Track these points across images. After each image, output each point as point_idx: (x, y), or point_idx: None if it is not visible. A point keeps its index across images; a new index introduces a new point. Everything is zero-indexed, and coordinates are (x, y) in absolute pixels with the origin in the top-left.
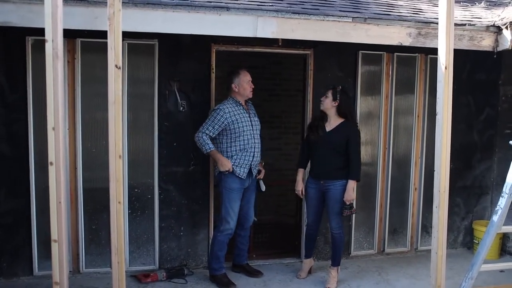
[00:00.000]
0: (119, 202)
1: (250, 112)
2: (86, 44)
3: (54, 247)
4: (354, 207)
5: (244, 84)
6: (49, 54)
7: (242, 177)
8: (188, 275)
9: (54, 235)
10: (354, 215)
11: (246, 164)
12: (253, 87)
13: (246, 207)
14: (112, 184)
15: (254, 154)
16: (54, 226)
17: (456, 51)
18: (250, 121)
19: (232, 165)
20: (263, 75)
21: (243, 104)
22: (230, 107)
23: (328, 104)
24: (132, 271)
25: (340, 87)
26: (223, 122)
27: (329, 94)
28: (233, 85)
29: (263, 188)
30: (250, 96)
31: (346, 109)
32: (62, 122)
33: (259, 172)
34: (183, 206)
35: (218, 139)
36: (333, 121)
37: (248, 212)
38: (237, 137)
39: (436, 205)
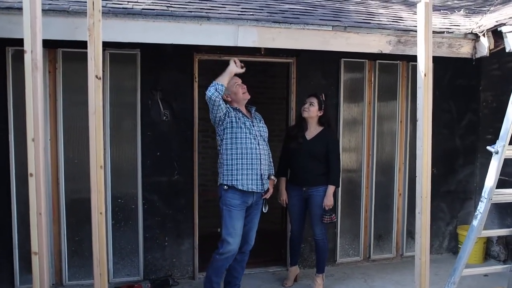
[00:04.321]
0: (101, 213)
1: (254, 119)
2: (68, 54)
3: (35, 260)
4: (335, 214)
5: (233, 89)
6: (28, 65)
7: (253, 190)
8: (173, 285)
9: (34, 247)
10: (339, 222)
11: (252, 176)
12: (244, 87)
13: (247, 228)
14: (94, 195)
15: (261, 163)
16: (35, 239)
17: (437, 58)
18: (253, 126)
19: (235, 176)
20: (248, 83)
21: (244, 111)
22: (231, 110)
23: (314, 113)
24: (117, 283)
25: (323, 94)
26: (224, 108)
27: (315, 102)
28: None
29: (266, 208)
30: (247, 97)
31: (329, 118)
32: (42, 133)
33: (266, 191)
34: (167, 216)
35: (219, 151)
36: (313, 129)
37: (249, 233)
38: (239, 144)
39: (419, 211)
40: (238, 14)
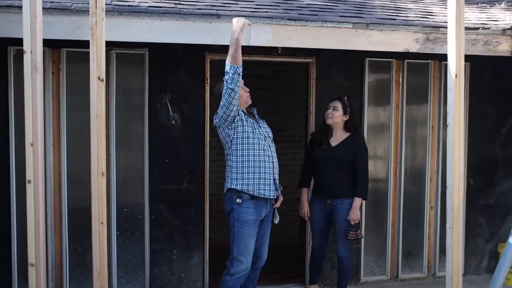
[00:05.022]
0: (102, 223)
1: (258, 120)
2: (72, 54)
3: (31, 272)
4: (361, 229)
5: None
6: (28, 65)
7: (266, 196)
8: None
9: (31, 258)
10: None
11: (266, 181)
12: (248, 90)
13: (259, 242)
14: (94, 203)
15: (273, 166)
16: (32, 249)
17: (473, 57)
18: (259, 127)
19: (246, 181)
20: (265, 85)
21: (246, 112)
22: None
23: (338, 118)
24: None
25: (346, 97)
26: (236, 106)
27: (339, 106)
28: None
29: (277, 219)
30: (249, 102)
31: (356, 123)
32: (41, 138)
33: (276, 199)
34: (176, 227)
35: (227, 155)
36: (339, 135)
37: (261, 248)
38: (251, 145)
39: (450, 226)
40: (251, 12)
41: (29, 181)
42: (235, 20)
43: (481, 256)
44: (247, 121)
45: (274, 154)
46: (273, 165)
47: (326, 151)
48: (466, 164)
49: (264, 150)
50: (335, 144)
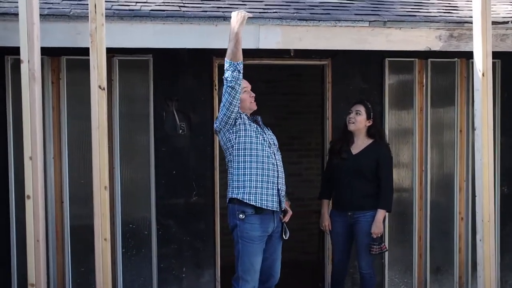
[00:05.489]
0: (105, 239)
1: (263, 127)
2: (72, 62)
3: None
4: (385, 243)
5: (240, 95)
6: (25, 75)
7: (271, 208)
8: None
9: (31, 278)
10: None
11: (269, 191)
12: (253, 95)
13: (271, 260)
14: (97, 219)
15: (278, 176)
16: (32, 269)
17: (507, 54)
18: (264, 133)
19: (248, 195)
20: (279, 89)
21: (249, 117)
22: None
23: (362, 123)
24: None
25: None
26: (237, 107)
27: (362, 110)
28: None
29: (287, 235)
30: (253, 107)
31: (379, 129)
32: (40, 151)
33: (284, 213)
34: (184, 243)
35: (229, 162)
36: (361, 142)
37: (273, 266)
38: (254, 151)
39: (480, 238)
40: (260, 12)
41: (28, 197)
42: (234, 13)
43: None
44: (250, 125)
45: (280, 163)
46: (278, 174)
47: (346, 160)
48: (499, 169)
49: (268, 157)
50: (356, 151)
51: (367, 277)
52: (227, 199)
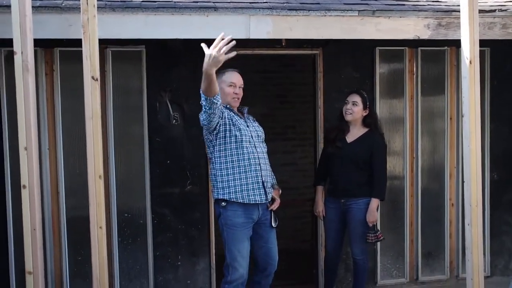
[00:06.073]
0: (100, 227)
1: (247, 119)
2: (66, 54)
3: (29, 280)
4: (380, 230)
5: (225, 87)
6: (19, 67)
7: (251, 201)
8: None
9: (28, 266)
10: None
11: (254, 185)
12: (237, 93)
13: (265, 249)
14: (92, 208)
15: (261, 169)
16: (29, 257)
17: (495, 42)
18: (248, 126)
19: (233, 188)
20: (273, 80)
21: (235, 110)
22: (224, 110)
23: (359, 113)
24: None
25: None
26: (219, 109)
27: (359, 101)
28: None
29: (275, 223)
30: (234, 105)
31: (375, 118)
32: (35, 141)
33: (272, 201)
34: (180, 232)
35: (211, 158)
36: (356, 131)
37: (269, 253)
38: (234, 150)
39: (468, 222)
40: (250, 3)
41: (24, 186)
42: (205, 49)
43: (508, 256)
44: (231, 124)
45: (262, 155)
46: (260, 167)
47: (341, 148)
48: (489, 156)
49: (249, 153)
50: (350, 140)
51: (360, 263)
52: (214, 199)
